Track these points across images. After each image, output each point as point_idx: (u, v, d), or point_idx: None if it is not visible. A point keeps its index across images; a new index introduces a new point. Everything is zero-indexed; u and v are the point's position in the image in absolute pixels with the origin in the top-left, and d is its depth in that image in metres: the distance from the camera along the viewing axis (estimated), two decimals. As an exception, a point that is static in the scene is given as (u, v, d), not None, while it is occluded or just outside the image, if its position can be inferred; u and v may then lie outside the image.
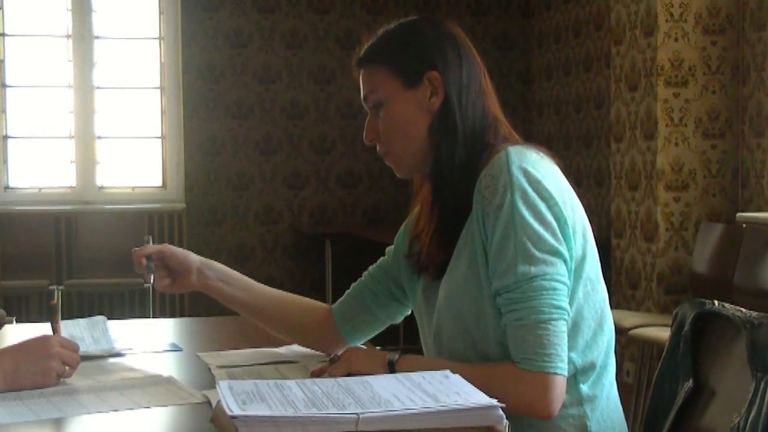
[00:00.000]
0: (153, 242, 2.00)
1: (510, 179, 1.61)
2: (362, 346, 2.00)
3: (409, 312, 1.97)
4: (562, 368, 1.57)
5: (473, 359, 1.67)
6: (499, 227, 1.60)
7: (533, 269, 1.58)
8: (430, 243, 1.76)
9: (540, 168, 1.64)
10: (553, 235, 1.60)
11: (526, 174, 1.61)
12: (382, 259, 2.00)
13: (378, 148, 1.80)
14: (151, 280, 1.97)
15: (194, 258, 2.00)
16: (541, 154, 1.69)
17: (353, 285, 2.02)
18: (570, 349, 1.62)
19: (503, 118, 1.78)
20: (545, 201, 1.61)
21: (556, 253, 1.60)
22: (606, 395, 1.71)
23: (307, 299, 2.07)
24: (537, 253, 1.58)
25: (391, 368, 1.64)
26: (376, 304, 1.96)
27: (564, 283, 1.60)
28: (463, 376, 1.45)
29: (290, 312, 2.02)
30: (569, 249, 1.62)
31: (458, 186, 1.70)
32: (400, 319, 2.01)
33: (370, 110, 1.79)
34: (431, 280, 1.77)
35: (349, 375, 1.59)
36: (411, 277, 1.87)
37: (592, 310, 1.68)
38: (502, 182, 1.61)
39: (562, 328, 1.58)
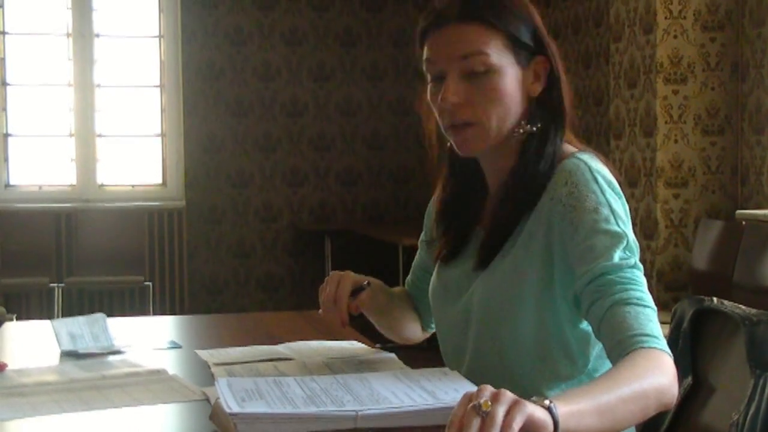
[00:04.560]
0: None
1: (598, 186, 1.55)
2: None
3: None
4: None
5: (497, 363, 1.62)
6: (598, 225, 1.51)
7: (636, 261, 1.51)
8: (495, 226, 1.65)
9: (614, 181, 1.60)
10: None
11: (610, 184, 1.57)
12: (417, 257, 1.93)
13: (458, 114, 1.61)
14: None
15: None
16: (604, 162, 1.64)
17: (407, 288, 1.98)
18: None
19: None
20: (628, 214, 1.57)
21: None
22: None
23: (407, 299, 1.99)
24: (636, 251, 1.53)
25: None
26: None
27: None
28: (625, 382, 1.29)
29: (407, 319, 1.97)
30: None
31: (539, 176, 1.61)
32: None
33: (462, 72, 1.60)
34: (475, 268, 1.66)
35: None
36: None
37: None
38: (590, 187, 1.54)
39: None
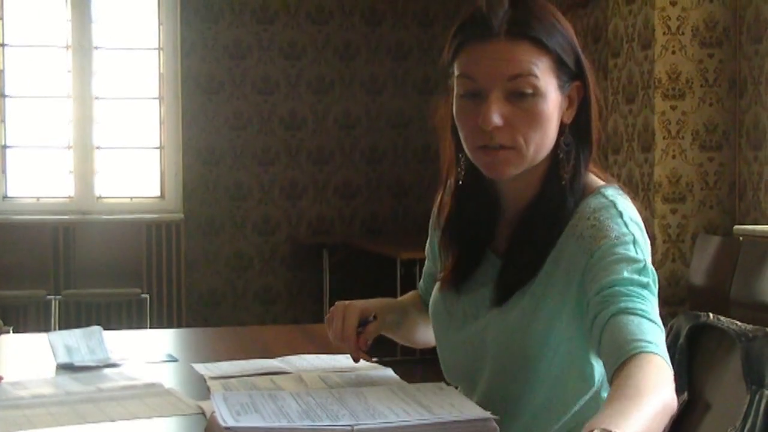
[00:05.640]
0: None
1: (625, 223, 1.50)
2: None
3: None
4: None
5: (516, 393, 1.58)
6: (611, 248, 1.47)
7: (649, 282, 1.46)
8: (512, 259, 1.59)
9: (638, 217, 1.55)
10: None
11: (637, 224, 1.52)
12: (426, 265, 1.87)
13: (496, 136, 1.51)
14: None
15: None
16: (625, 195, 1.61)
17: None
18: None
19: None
20: (648, 245, 1.53)
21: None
22: None
23: (420, 306, 1.91)
24: (651, 275, 1.48)
25: None
26: None
27: None
28: (651, 398, 1.26)
29: (421, 328, 1.92)
30: None
31: (568, 210, 1.55)
32: None
33: (508, 92, 1.51)
34: (495, 304, 1.59)
35: None
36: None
37: None
38: (615, 222, 1.50)
39: None
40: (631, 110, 5.20)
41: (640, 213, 1.57)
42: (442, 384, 1.48)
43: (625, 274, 1.43)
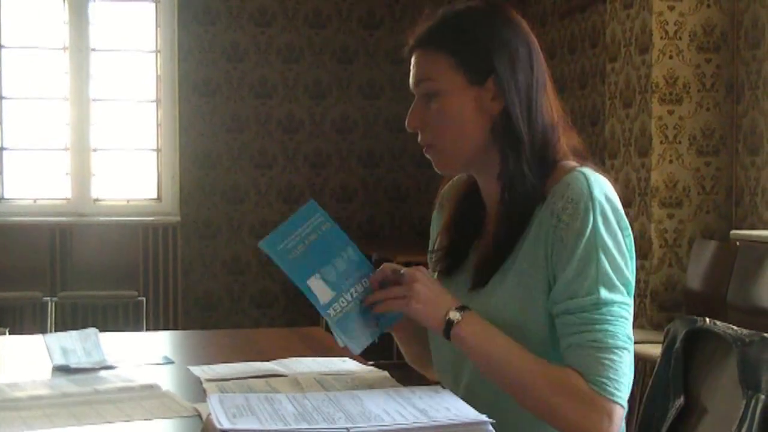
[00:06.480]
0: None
1: (593, 205, 1.55)
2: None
3: None
4: (625, 401, 1.53)
5: (496, 391, 1.59)
6: (578, 250, 1.54)
7: (613, 296, 1.53)
8: (491, 247, 1.66)
9: (615, 196, 1.60)
10: (627, 267, 1.56)
11: (609, 201, 1.57)
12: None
13: (420, 137, 1.68)
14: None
15: None
16: (607, 179, 1.64)
17: None
18: None
19: (567, 126, 1.72)
20: (622, 231, 1.57)
21: (628, 285, 1.56)
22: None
23: None
24: (616, 281, 1.54)
25: (448, 329, 1.56)
26: None
27: (632, 315, 1.57)
28: (527, 366, 1.48)
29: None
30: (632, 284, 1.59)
31: (525, 197, 1.62)
32: None
33: (419, 97, 1.68)
34: (471, 288, 1.67)
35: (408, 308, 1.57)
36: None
37: None
38: (584, 206, 1.55)
39: (631, 359, 1.54)
40: (628, 114, 5.20)
41: (635, 217, 1.60)
42: (438, 387, 1.48)
43: (601, 292, 1.52)
